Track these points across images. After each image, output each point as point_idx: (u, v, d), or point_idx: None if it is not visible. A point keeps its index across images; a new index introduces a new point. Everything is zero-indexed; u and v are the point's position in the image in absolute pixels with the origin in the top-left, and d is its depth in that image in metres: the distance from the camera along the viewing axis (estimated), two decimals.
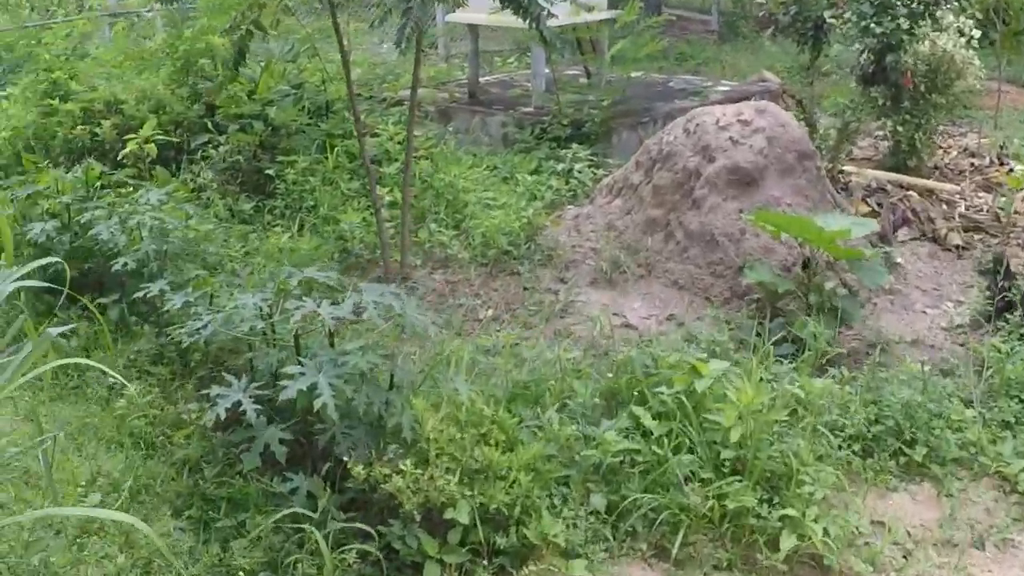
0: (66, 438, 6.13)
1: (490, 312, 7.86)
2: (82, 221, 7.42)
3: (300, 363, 4.89)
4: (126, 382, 5.72)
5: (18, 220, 8.06)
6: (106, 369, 4.89)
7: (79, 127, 10.06)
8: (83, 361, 4.89)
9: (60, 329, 4.48)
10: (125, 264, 6.92)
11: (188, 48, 10.72)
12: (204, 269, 7.60)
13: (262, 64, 10.90)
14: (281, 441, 4.89)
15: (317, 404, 4.64)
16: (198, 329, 5.41)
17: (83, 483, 5.57)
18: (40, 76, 10.66)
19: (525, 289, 8.19)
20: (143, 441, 6.02)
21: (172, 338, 5.99)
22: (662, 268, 8.38)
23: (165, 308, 6.02)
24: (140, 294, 6.44)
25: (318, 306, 4.94)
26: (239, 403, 4.87)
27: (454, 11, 8.46)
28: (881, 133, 11.38)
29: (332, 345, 5.10)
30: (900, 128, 10.69)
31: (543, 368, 6.19)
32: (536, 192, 9.75)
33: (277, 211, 9.52)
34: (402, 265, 8.26)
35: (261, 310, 5.33)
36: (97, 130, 10.02)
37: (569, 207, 9.62)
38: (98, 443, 6.09)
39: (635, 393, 5.81)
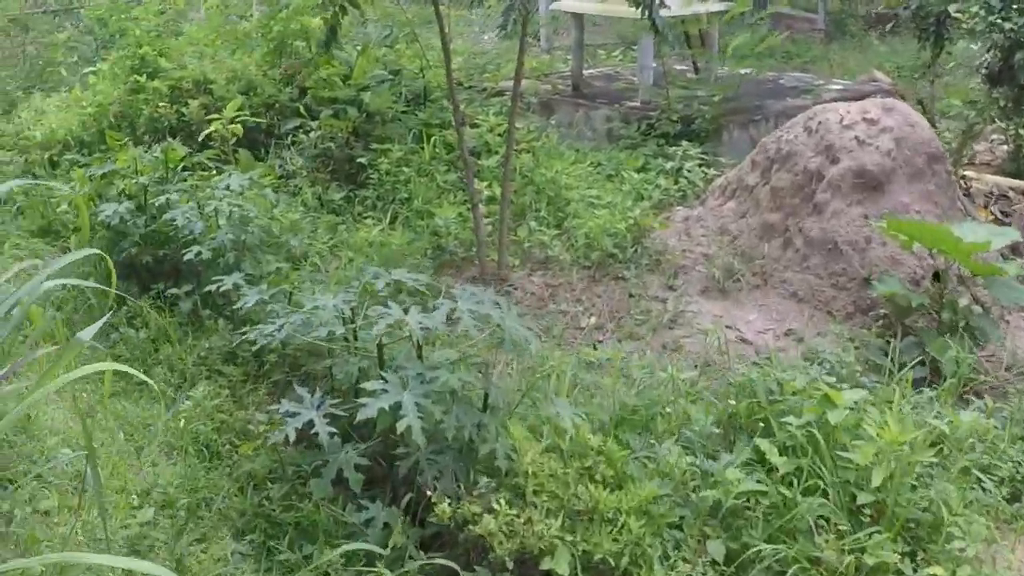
0: (125, 439, 5.65)
1: (593, 320, 7.22)
2: (157, 204, 6.91)
3: (383, 378, 4.28)
4: (172, 388, 5.14)
5: (94, 200, 7.61)
6: (143, 376, 4.27)
7: (165, 105, 9.60)
8: (119, 367, 4.26)
9: (92, 331, 3.86)
10: (199, 254, 6.39)
11: (282, 28, 10.20)
12: (287, 261, 7.08)
13: (359, 48, 10.35)
14: (357, 467, 4.29)
15: (400, 426, 4.05)
16: (272, 332, 4.84)
17: (137, 493, 5.06)
18: (129, 52, 10.22)
19: (631, 296, 7.53)
20: (207, 449, 5.49)
21: (246, 337, 5.42)
22: (779, 278, 7.68)
23: (239, 304, 5.46)
24: (213, 287, 5.90)
25: (406, 313, 4.33)
26: (311, 422, 4.28)
27: None
28: (998, 137, 10.55)
29: (420, 357, 4.50)
30: (1022, 131, 9.87)
31: (653, 388, 5.52)
32: (643, 191, 9.07)
33: (368, 202, 8.97)
34: (499, 265, 7.66)
35: (342, 313, 4.74)
36: (184, 109, 9.55)
37: (678, 208, 8.92)
38: (158, 448, 5.57)
39: (758, 423, 5.12)
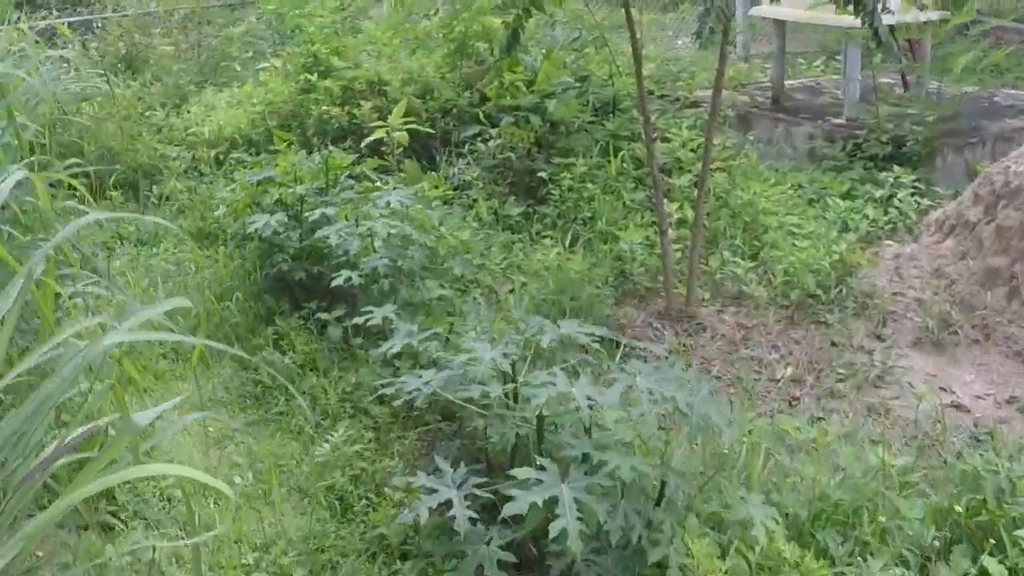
0: (254, 478, 5.14)
1: (789, 371, 6.38)
2: (312, 219, 6.35)
3: (540, 464, 3.56)
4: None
5: (250, 206, 7.11)
6: (233, 423, 3.65)
7: (336, 107, 9.08)
8: (211, 417, 3.66)
9: (149, 416, 3.25)
10: (348, 279, 5.79)
11: (464, 29, 9.59)
12: (454, 284, 6.47)
13: (544, 52, 9.68)
14: (500, 564, 3.59)
15: (554, 530, 3.32)
16: (417, 387, 4.18)
17: (255, 547, 4.51)
18: (302, 49, 9.74)
19: (833, 345, 6.66)
20: (340, 501, 4.89)
21: (383, 391, 4.82)
22: (1003, 333, 6.71)
23: (386, 347, 4.82)
24: (360, 320, 5.28)
25: (573, 384, 3.61)
26: (449, 502, 3.60)
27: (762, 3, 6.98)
28: None
29: (588, 432, 3.76)
30: None
31: (858, 475, 4.65)
32: (849, 221, 8.14)
33: (548, 220, 8.26)
34: (687, 300, 6.89)
35: (500, 368, 4.04)
36: (356, 112, 9.01)
37: (888, 243, 7.99)
38: (288, 492, 5.00)
39: (984, 529, 4.24)
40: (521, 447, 4.04)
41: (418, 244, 6.10)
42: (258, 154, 9.26)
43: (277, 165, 6.92)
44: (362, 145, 8.12)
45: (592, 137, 8.96)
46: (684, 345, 6.64)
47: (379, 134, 7.64)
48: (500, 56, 8.80)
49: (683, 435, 4.26)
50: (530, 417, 3.93)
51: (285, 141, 8.95)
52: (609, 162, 8.62)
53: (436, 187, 7.82)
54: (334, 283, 5.83)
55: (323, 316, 6.11)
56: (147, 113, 10.28)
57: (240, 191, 7.18)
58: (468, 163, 8.77)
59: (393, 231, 5.90)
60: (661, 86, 10.36)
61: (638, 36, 6.90)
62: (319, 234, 6.12)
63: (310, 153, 8.36)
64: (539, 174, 8.55)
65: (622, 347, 4.74)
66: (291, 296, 6.63)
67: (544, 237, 8.01)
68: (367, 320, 5.13)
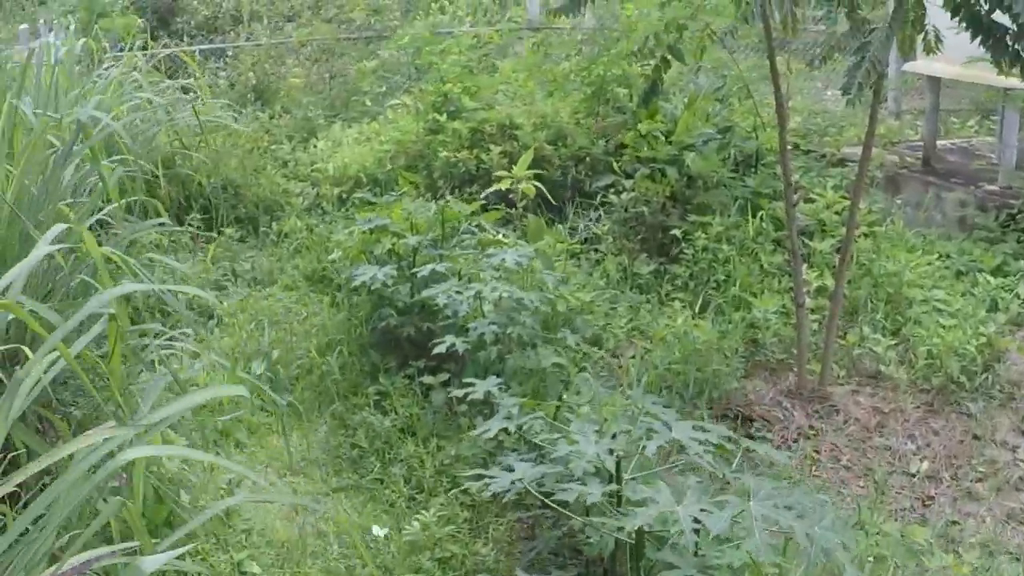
0: (339, 551, 4.85)
1: (925, 465, 5.82)
2: (421, 274, 6.00)
3: None
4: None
5: (363, 253, 6.79)
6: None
7: (464, 150, 8.75)
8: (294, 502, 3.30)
9: (156, 562, 2.85)
10: (452, 346, 5.41)
11: (603, 73, 9.19)
12: (573, 348, 6.06)
13: (685, 100, 9.24)
14: None
15: None
16: (511, 481, 3.77)
17: None
18: (433, 87, 9.45)
19: (975, 438, 6.08)
20: None
21: (471, 486, 4.45)
22: None
23: (482, 429, 4.43)
24: (460, 392, 4.90)
25: (679, 502, 3.16)
26: None
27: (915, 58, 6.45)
28: None
29: (695, 551, 3.30)
30: None
31: None
32: (999, 300, 7.48)
33: (679, 281, 7.79)
34: (821, 377, 6.38)
35: (603, 465, 3.62)
36: (484, 156, 8.67)
37: None
38: (372, 573, 4.64)
39: None
40: (620, 554, 3.60)
41: (531, 310, 5.67)
42: (382, 194, 8.99)
43: (391, 212, 6.58)
44: (484, 194, 7.74)
45: (731, 194, 8.47)
46: (814, 428, 6.13)
47: (504, 184, 7.25)
48: (638, 105, 8.39)
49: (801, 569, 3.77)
50: (630, 530, 3.49)
51: (410, 182, 8.67)
52: (747, 221, 8.12)
53: (560, 242, 7.43)
54: (436, 349, 5.45)
55: (427, 380, 5.74)
56: (273, 146, 10.08)
57: (355, 236, 6.86)
58: (599, 216, 8.36)
59: (505, 294, 5.49)
60: (807, 141, 9.82)
61: (783, 88, 6.43)
62: (426, 293, 5.76)
63: (436, 197, 8.06)
64: (672, 231, 8.10)
65: (742, 449, 4.25)
66: (399, 352, 6.29)
67: (673, 299, 7.56)
68: (466, 395, 4.75)
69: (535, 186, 7.55)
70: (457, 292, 5.59)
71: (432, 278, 5.92)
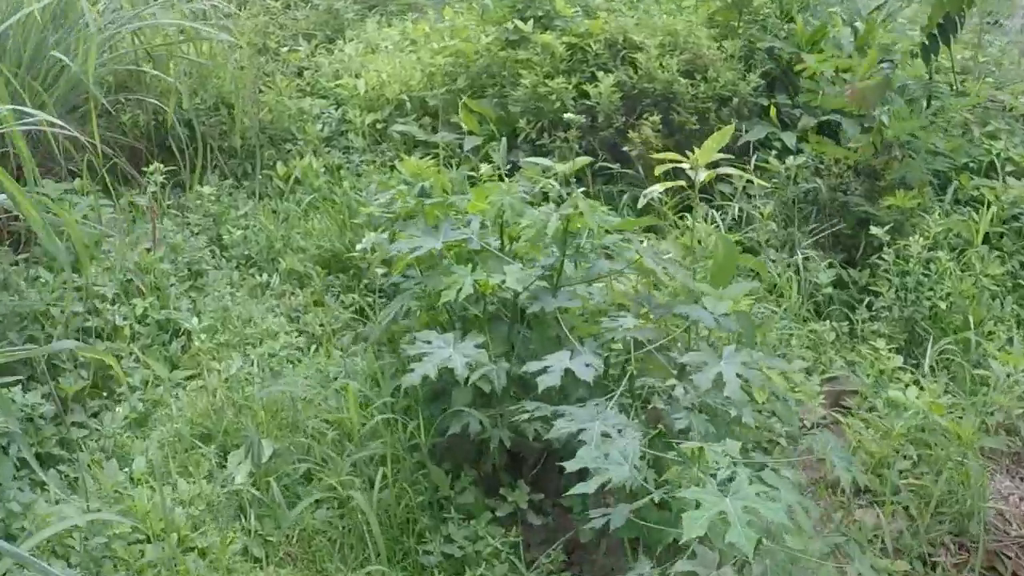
0: None
1: None
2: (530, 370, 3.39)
3: None
4: None
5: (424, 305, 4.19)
6: None
7: (558, 76, 6.07)
8: None
9: None
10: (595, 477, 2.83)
11: None
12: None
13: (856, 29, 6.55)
14: None
15: None
16: None
17: None
18: None
19: None
20: None
21: None
22: None
23: None
24: None
25: None
26: None
27: None
28: None
29: None
30: None
31: None
32: None
33: (879, 300, 5.25)
34: None
35: None
36: (589, 88, 6.01)
37: None
38: None
39: None
40: None
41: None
42: (434, 128, 6.34)
43: (467, 206, 3.97)
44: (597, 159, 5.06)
45: (928, 166, 5.88)
46: None
47: (660, 186, 4.29)
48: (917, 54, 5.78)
49: None
50: None
51: (475, 114, 6.07)
52: (975, 213, 5.55)
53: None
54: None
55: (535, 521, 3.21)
56: (284, 48, 7.36)
57: (400, 255, 4.18)
58: (747, 186, 5.74)
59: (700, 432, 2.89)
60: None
61: None
62: (559, 430, 3.13)
63: (513, 141, 5.52)
64: (863, 220, 5.52)
65: None
66: (482, 469, 3.73)
67: (873, 332, 5.02)
68: None
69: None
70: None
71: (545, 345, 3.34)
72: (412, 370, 3.33)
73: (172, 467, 3.78)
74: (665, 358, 3.31)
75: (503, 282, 3.49)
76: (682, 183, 3.85)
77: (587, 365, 3.19)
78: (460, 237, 3.77)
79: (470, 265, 3.63)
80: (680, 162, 3.85)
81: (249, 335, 4.58)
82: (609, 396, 3.11)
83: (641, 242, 3.96)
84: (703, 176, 3.77)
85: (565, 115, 3.98)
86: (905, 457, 4.20)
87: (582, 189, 5.27)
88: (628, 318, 3.27)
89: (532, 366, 3.29)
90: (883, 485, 4.14)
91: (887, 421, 4.33)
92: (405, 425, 3.75)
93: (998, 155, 6.17)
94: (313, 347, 4.61)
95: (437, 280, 3.68)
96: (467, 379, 3.36)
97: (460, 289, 3.47)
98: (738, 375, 2.95)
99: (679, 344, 3.43)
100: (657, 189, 3.82)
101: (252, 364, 4.25)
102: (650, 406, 3.18)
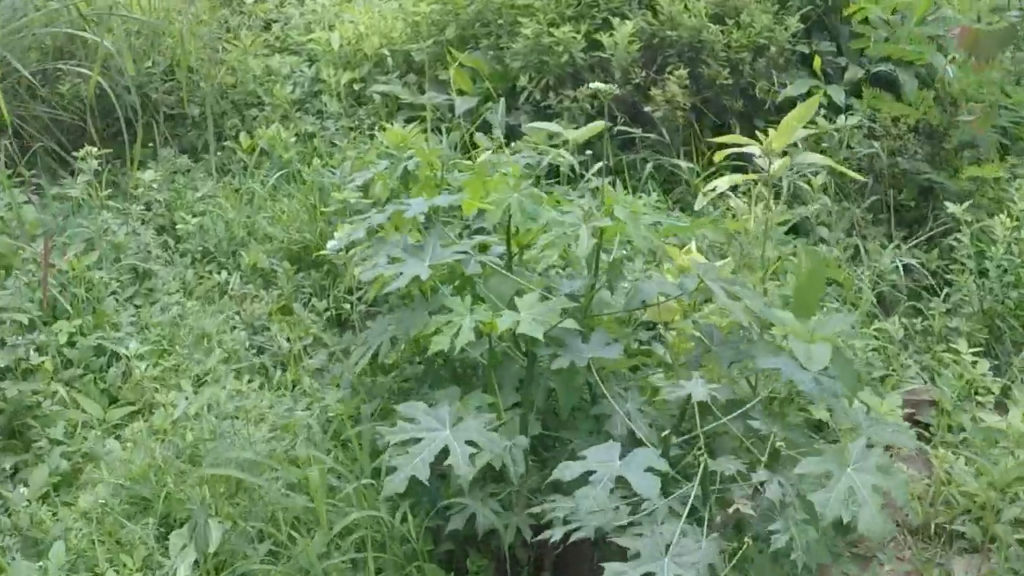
0: None
1: None
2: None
3: None
4: None
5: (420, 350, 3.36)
6: None
7: (565, 24, 5.19)
8: None
9: None
10: None
11: None
12: None
13: None
14: None
15: None
16: None
17: None
18: None
19: None
20: None
21: None
22: None
23: None
24: None
25: None
26: None
27: None
28: None
29: None
30: None
31: None
32: None
33: (956, 291, 4.45)
34: None
35: None
36: (603, 39, 5.13)
37: None
38: None
39: None
40: None
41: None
42: (421, 88, 5.49)
43: (462, 205, 3.12)
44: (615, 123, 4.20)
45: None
46: None
47: (727, 181, 3.31)
48: None
49: None
50: None
51: (467, 70, 5.24)
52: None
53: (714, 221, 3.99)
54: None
55: None
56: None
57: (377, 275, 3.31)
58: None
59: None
60: None
61: None
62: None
63: (512, 95, 4.77)
64: (924, 184, 4.71)
65: None
66: (488, 550, 2.93)
67: (956, 332, 4.21)
68: None
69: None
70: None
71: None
72: (395, 468, 2.49)
73: (100, 553, 2.96)
74: (742, 424, 2.47)
75: (516, 325, 2.62)
76: (751, 177, 3.00)
77: (647, 470, 2.34)
78: (454, 257, 2.90)
79: (468, 297, 2.77)
80: (740, 146, 3.00)
81: (202, 359, 3.74)
82: (674, 497, 2.27)
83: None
84: (778, 164, 2.91)
85: (592, 84, 3.08)
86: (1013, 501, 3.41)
87: (600, 163, 4.45)
88: (695, 381, 2.41)
89: (566, 472, 2.44)
90: (984, 534, 3.37)
91: (981, 449, 3.55)
92: (390, 523, 2.91)
93: None
94: (279, 369, 3.79)
95: (422, 318, 2.83)
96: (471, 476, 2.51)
97: (456, 334, 2.61)
98: (874, 487, 2.11)
99: (758, 406, 2.57)
100: (723, 185, 2.96)
101: (203, 406, 3.40)
102: (730, 509, 2.33)
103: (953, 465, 3.54)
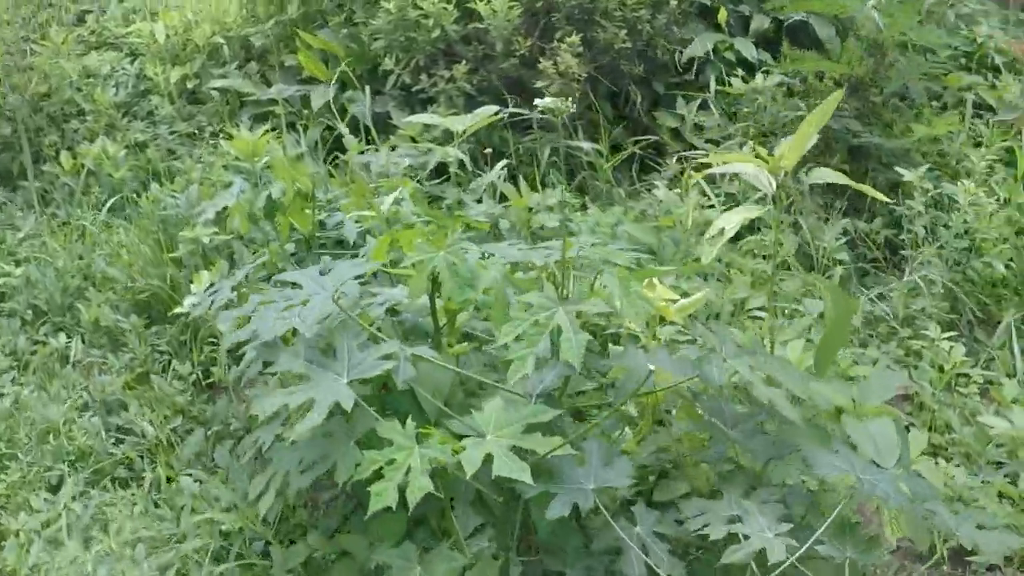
0: None
1: None
2: None
3: None
4: None
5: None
6: None
7: None
8: None
9: None
10: None
11: None
12: None
13: None
14: None
15: None
16: None
17: None
18: None
19: None
20: None
21: None
22: None
23: None
24: None
25: None
26: None
27: None
28: None
29: None
30: None
31: None
32: None
33: (879, 247, 3.96)
34: None
35: None
36: (479, 6, 4.44)
37: None
38: None
39: None
40: None
41: None
42: (266, 81, 4.74)
43: (371, 255, 2.43)
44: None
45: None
46: None
47: (739, 216, 2.43)
48: None
49: None
50: None
51: (316, 52, 4.54)
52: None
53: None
54: None
55: None
56: None
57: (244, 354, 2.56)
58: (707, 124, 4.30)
59: None
60: None
61: None
62: None
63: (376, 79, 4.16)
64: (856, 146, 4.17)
65: None
66: None
67: (923, 314, 3.69)
68: None
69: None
70: None
71: None
72: None
73: None
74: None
75: (487, 459, 1.88)
76: (764, 211, 2.35)
77: None
78: (382, 368, 2.11)
79: (410, 422, 2.01)
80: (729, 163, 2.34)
81: (51, 464, 2.98)
82: None
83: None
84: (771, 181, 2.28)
85: (538, 101, 2.34)
86: None
87: (504, 162, 3.80)
88: (768, 535, 1.72)
89: None
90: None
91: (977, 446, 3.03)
92: None
93: (981, 44, 4.88)
94: (147, 462, 3.04)
95: (346, 452, 2.07)
96: None
97: (407, 486, 1.86)
98: None
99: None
100: (735, 222, 2.29)
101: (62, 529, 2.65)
102: None
103: (951, 473, 3.00)
